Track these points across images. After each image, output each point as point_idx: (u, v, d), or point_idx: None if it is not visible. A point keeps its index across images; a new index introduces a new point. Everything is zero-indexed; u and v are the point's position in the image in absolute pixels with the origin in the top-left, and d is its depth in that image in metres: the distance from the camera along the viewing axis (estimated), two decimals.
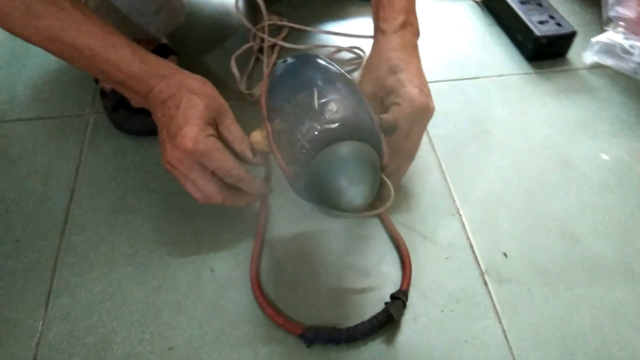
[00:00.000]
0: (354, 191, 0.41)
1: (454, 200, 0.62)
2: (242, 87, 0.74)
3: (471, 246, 0.58)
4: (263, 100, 0.48)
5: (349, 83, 0.47)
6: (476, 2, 0.90)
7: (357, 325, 0.51)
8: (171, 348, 0.50)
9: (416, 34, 0.58)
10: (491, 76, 0.78)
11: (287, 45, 0.80)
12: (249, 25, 0.80)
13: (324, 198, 0.42)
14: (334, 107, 0.42)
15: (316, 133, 0.42)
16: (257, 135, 0.45)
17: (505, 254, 0.57)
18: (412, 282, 0.54)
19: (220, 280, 0.55)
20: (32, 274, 0.55)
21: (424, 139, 0.68)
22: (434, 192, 0.63)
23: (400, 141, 0.53)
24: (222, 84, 0.73)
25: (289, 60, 0.50)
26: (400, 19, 0.56)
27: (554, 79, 0.77)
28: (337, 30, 0.83)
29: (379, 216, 0.60)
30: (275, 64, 0.52)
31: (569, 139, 0.69)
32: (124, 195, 0.62)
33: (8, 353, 0.50)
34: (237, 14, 0.79)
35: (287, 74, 0.48)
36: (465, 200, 0.62)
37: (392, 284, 0.55)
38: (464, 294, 0.54)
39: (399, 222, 0.59)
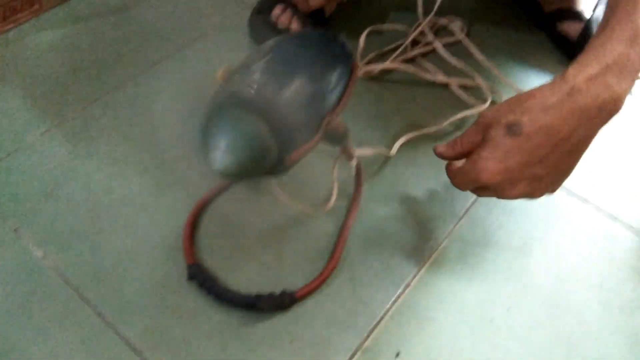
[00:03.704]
0: (218, 156, 0.42)
1: (418, 276, 0.54)
2: (357, 57, 0.74)
3: (377, 324, 0.50)
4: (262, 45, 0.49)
5: (316, 76, 0.45)
6: None
7: (230, 290, 0.51)
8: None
9: None
10: None
11: (441, 51, 0.75)
12: (420, 12, 0.77)
13: (200, 147, 0.44)
14: (264, 81, 0.42)
15: (232, 91, 0.43)
16: (221, 70, 0.47)
17: (398, 354, 0.49)
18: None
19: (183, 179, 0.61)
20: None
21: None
22: (410, 249, 0.56)
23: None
24: None
25: (313, 30, 0.50)
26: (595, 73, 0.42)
27: None
28: (510, 74, 0.75)
29: (346, 218, 0.57)
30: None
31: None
32: None
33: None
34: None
35: (292, 38, 0.49)
36: (429, 287, 0.53)
37: (300, 282, 0.52)
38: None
39: (351, 240, 0.56)
